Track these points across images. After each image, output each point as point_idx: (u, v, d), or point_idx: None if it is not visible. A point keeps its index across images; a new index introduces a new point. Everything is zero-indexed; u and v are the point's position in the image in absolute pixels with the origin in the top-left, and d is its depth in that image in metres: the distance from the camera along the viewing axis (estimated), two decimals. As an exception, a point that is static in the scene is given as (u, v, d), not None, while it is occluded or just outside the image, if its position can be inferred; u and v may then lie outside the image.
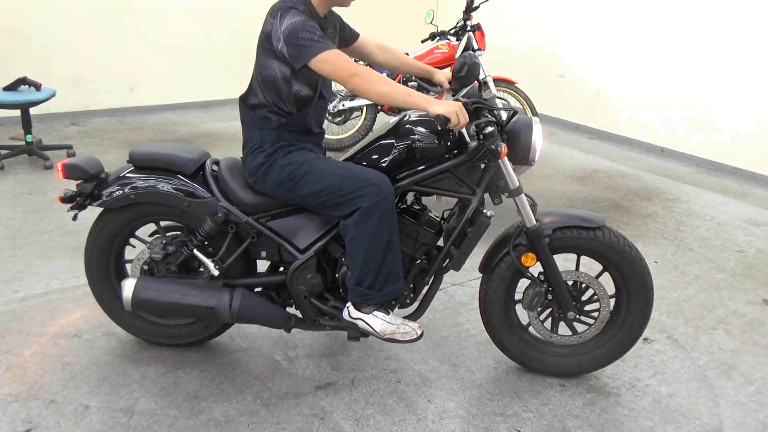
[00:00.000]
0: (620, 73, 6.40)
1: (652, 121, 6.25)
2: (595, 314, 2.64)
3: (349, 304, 2.46)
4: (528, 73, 7.06)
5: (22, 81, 4.86)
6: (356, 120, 5.84)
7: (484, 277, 2.65)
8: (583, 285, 2.61)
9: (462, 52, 2.25)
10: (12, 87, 4.84)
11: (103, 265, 2.67)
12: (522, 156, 2.46)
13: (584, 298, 2.63)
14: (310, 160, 2.37)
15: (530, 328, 2.72)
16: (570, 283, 2.61)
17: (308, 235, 2.52)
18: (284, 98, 2.36)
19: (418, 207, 2.62)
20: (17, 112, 4.99)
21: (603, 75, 6.56)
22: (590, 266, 2.95)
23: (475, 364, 2.81)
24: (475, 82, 2.58)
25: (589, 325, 2.65)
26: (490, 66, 5.58)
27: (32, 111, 5.14)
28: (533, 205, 2.57)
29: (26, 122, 4.94)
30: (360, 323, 2.44)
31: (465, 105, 2.28)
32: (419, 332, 2.46)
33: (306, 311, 2.57)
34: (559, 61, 6.92)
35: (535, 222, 2.48)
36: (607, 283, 2.66)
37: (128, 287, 2.44)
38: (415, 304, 2.63)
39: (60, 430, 2.28)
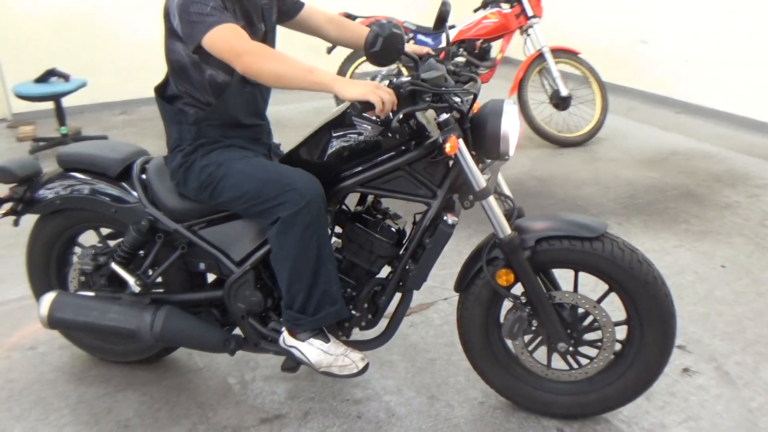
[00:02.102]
0: (712, 37, 5.49)
1: (749, 91, 5.31)
2: (599, 344, 2.10)
3: (284, 328, 2.09)
4: (599, 40, 6.26)
5: (51, 73, 4.82)
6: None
7: (460, 296, 2.18)
8: (581, 310, 2.08)
9: (376, 21, 1.73)
10: (42, 79, 4.81)
11: (43, 274, 2.45)
12: (490, 149, 1.96)
13: (585, 324, 2.10)
14: (229, 160, 2.00)
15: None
16: (568, 306, 2.09)
17: (244, 245, 2.16)
18: (197, 86, 2.00)
19: (375, 211, 2.18)
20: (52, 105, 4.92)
21: (692, 40, 5.66)
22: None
23: (459, 396, 2.35)
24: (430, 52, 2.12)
25: (591, 358, 2.12)
26: (549, 35, 4.93)
27: (86, 101, 5.10)
28: (511, 210, 2.07)
29: (60, 114, 4.91)
30: (295, 352, 2.06)
31: (398, 87, 1.80)
32: (360, 366, 2.04)
33: (246, 332, 2.22)
34: (639, 25, 6.06)
35: (509, 231, 1.97)
36: (618, 306, 2.10)
37: (45, 303, 2.19)
38: (381, 326, 2.21)
39: (-34, 463, 2.09)
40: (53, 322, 2.18)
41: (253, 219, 2.06)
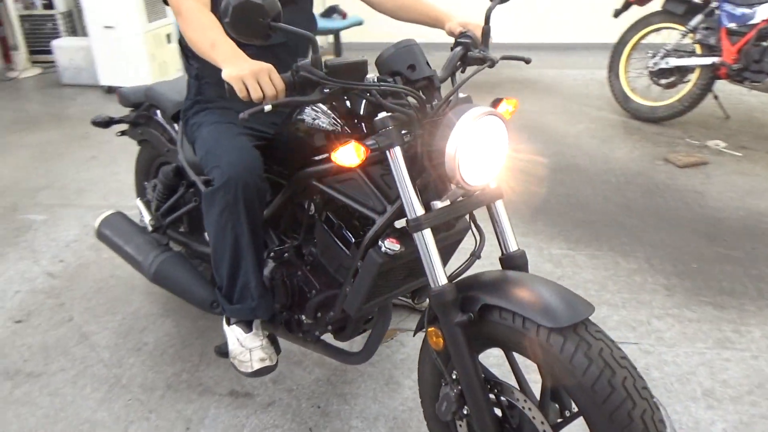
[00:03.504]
0: None
1: None
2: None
3: (225, 308, 1.96)
4: None
5: (333, 9, 5.16)
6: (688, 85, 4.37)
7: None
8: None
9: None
10: (326, 14, 5.20)
11: (144, 193, 2.71)
12: (441, 170, 1.47)
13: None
14: (204, 124, 1.88)
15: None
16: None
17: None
18: (193, 39, 1.90)
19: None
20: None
21: None
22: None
23: (425, 456, 1.92)
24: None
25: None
26: None
27: (367, 39, 5.26)
28: (476, 250, 1.56)
29: (337, 47, 5.32)
30: (225, 335, 1.92)
31: (294, 72, 1.42)
32: (255, 367, 1.83)
33: (232, 299, 2.14)
34: None
35: (443, 282, 1.47)
36: None
37: (100, 218, 2.43)
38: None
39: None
40: (99, 235, 2.42)
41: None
